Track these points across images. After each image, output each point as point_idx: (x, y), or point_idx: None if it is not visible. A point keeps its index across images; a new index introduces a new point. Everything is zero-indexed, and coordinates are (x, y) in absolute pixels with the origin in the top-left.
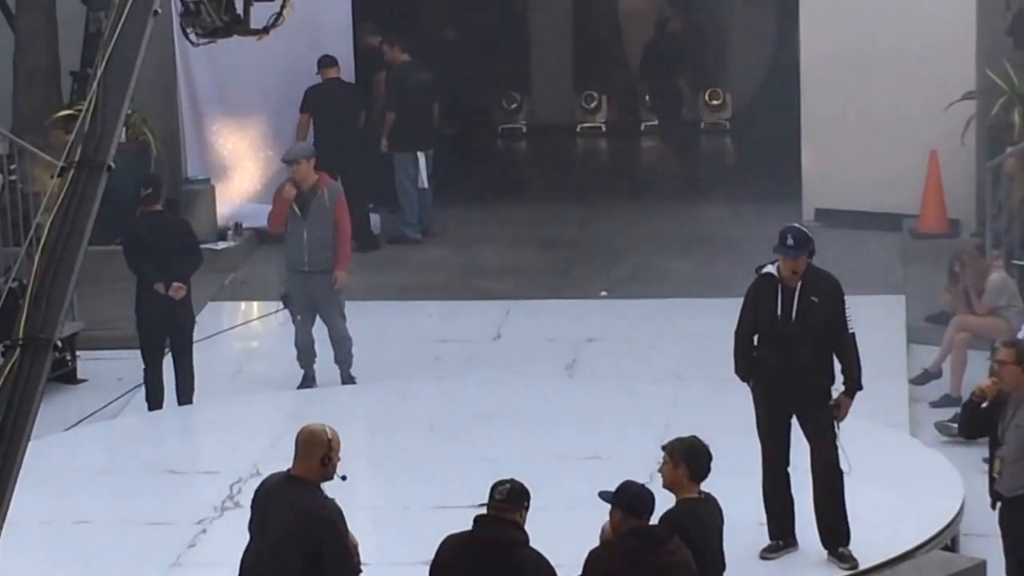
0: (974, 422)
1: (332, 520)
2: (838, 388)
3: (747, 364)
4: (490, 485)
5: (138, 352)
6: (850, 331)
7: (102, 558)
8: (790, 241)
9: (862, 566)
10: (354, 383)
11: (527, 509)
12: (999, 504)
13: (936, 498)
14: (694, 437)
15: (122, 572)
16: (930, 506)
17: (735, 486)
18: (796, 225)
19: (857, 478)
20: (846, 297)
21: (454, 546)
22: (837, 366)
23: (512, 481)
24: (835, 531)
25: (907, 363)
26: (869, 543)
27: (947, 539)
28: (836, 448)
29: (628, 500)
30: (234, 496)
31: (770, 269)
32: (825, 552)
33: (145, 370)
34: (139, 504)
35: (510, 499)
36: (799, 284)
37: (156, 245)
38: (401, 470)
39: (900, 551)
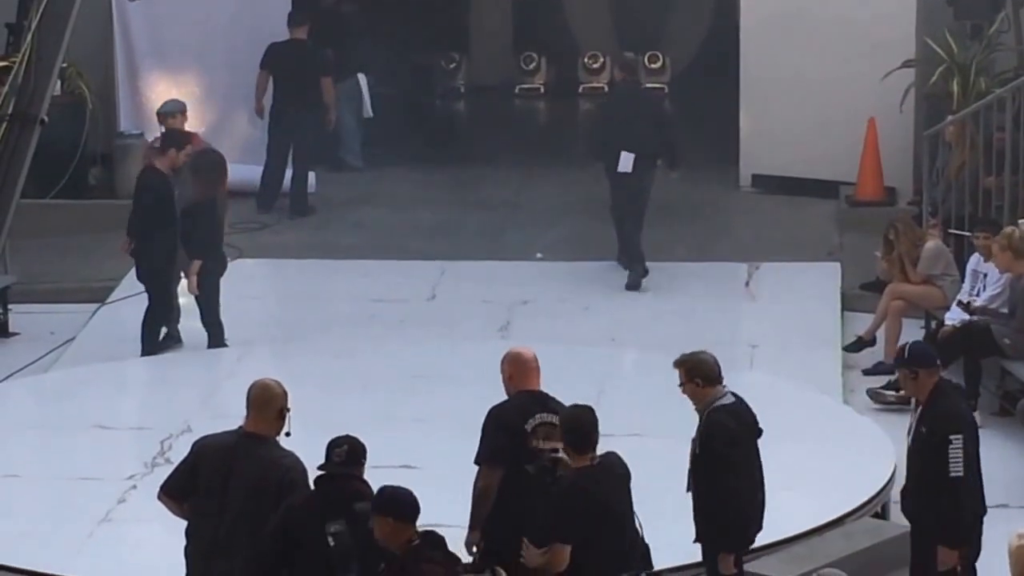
0: None
1: (304, 471)
2: None
3: None
4: (418, 444)
5: (70, 306)
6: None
7: (31, 512)
8: None
9: (792, 532)
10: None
11: (364, 464)
12: None
13: (867, 465)
14: (575, 408)
15: (51, 527)
16: (861, 473)
17: (659, 448)
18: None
19: (788, 444)
20: (782, 263)
21: (303, 510)
22: None
23: (348, 439)
24: None
25: (841, 330)
26: (799, 510)
27: (877, 506)
28: None
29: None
30: (165, 452)
31: None
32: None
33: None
34: (69, 459)
35: (350, 459)
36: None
37: None
38: (332, 429)
39: (830, 518)
